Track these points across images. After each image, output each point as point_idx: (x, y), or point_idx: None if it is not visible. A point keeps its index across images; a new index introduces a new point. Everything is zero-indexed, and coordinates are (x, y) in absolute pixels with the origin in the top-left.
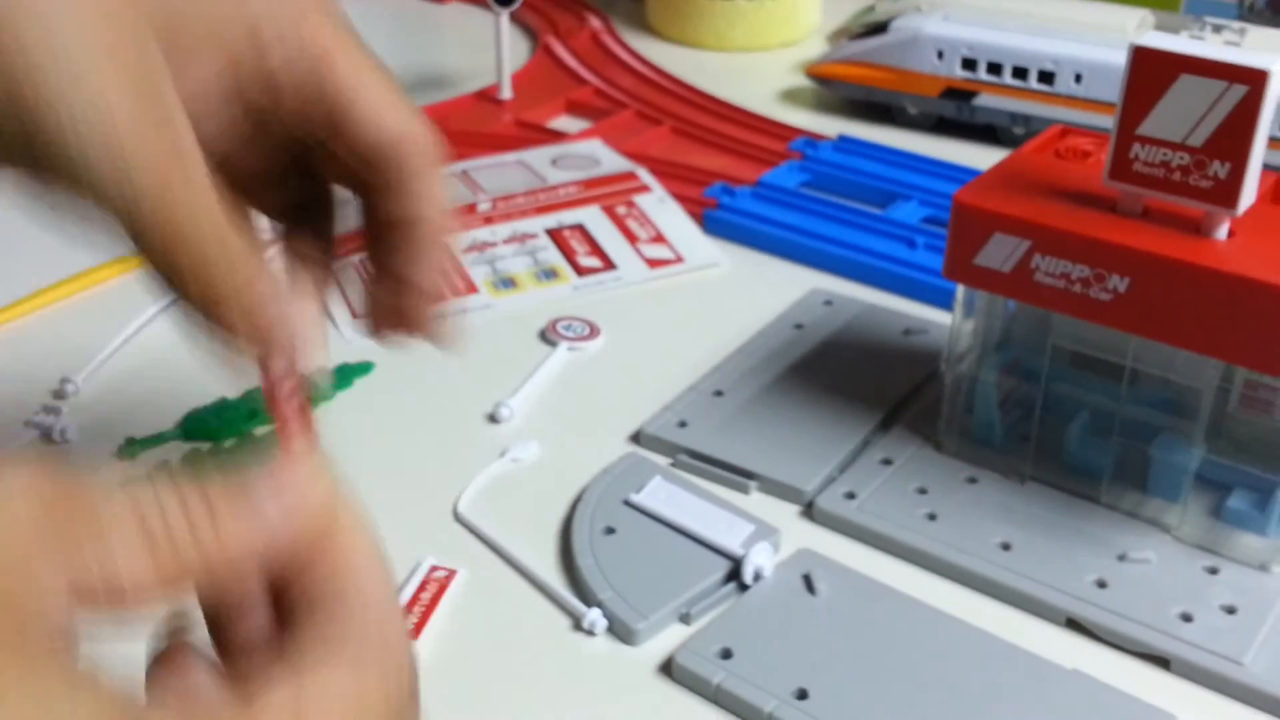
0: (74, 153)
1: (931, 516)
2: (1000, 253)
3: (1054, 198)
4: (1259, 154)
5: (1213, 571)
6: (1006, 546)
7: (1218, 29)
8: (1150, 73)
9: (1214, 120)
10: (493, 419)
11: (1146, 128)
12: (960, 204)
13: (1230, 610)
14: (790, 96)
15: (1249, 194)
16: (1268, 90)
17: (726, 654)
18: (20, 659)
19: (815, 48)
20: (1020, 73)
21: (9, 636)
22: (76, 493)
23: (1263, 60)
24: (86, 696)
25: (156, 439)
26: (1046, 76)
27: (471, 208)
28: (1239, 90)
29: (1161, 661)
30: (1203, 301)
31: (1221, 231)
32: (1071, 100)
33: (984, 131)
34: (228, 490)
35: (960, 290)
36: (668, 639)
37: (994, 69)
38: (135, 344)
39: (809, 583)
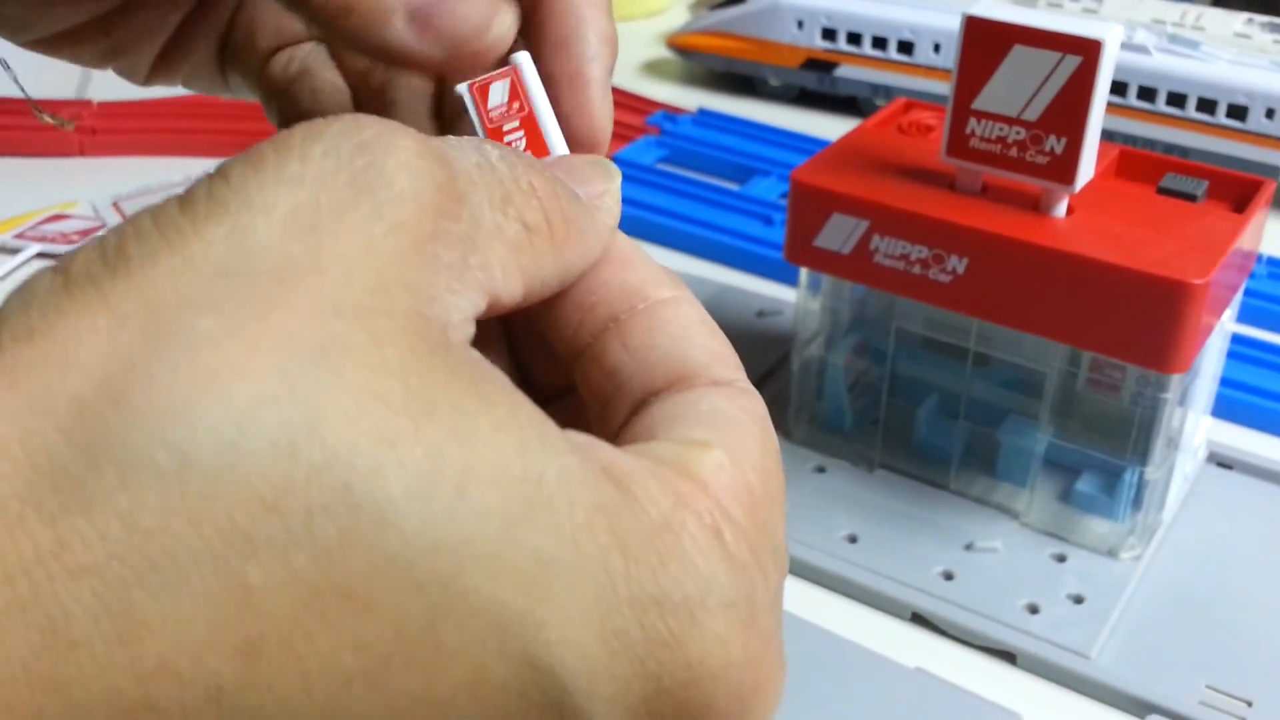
0: None
1: None
2: (840, 234)
3: (894, 175)
4: (1095, 127)
5: (1060, 559)
6: (853, 539)
7: None
8: (984, 44)
9: (1049, 93)
10: None
11: (982, 102)
12: (798, 183)
13: (1078, 600)
14: (653, 68)
15: (1087, 169)
16: (1102, 61)
17: None
18: (462, 381)
19: (680, 17)
20: (880, 43)
21: (441, 360)
22: (454, 178)
23: (1096, 29)
24: (556, 439)
25: None
26: (905, 46)
27: None
28: (1073, 61)
29: (1008, 656)
30: (1040, 282)
31: (1060, 208)
32: (931, 70)
33: (847, 103)
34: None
35: (804, 272)
36: None
37: (854, 39)
38: None
39: None
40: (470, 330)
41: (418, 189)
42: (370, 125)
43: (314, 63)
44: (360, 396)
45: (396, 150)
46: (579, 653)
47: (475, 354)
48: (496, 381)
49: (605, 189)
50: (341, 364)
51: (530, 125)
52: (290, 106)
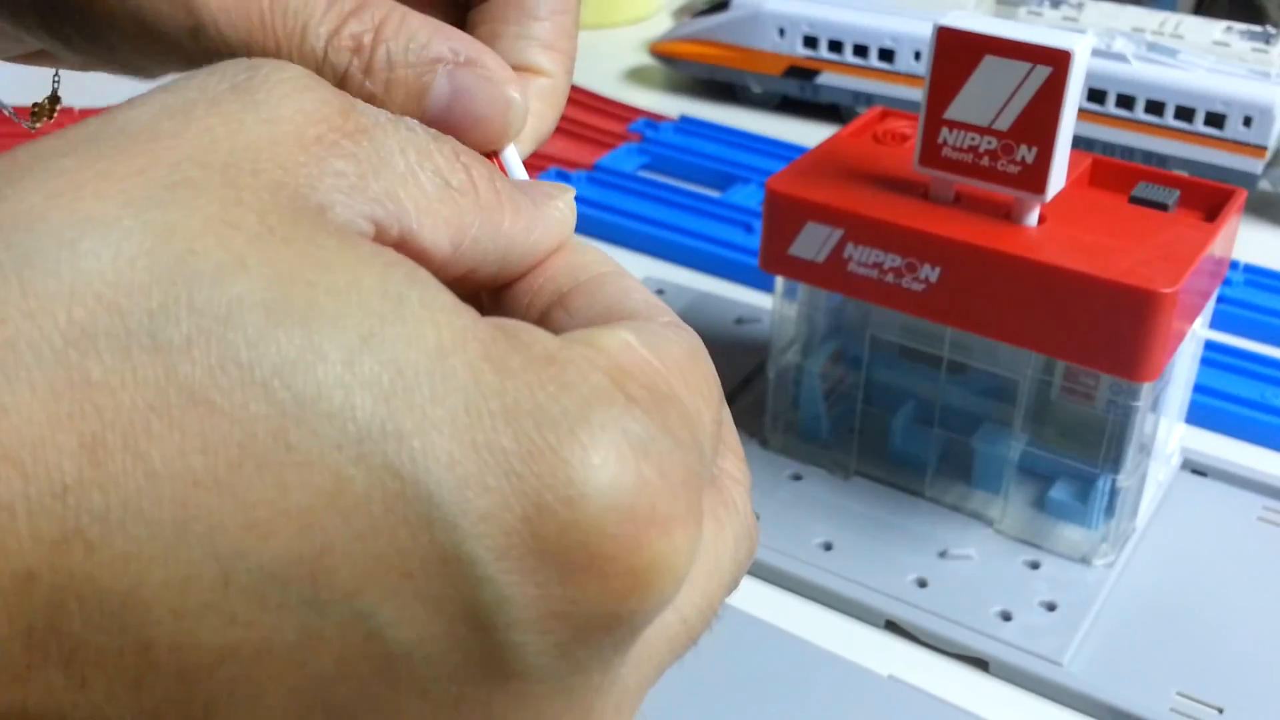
0: None
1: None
2: (814, 242)
3: (868, 184)
4: (1066, 137)
5: (1034, 566)
6: (828, 547)
7: (1056, 4)
8: (955, 54)
9: (1020, 103)
10: None
11: (954, 112)
12: (773, 192)
13: (1050, 607)
14: (637, 76)
15: (1058, 178)
16: (1071, 71)
17: None
18: (332, 241)
19: (663, 25)
20: (861, 50)
21: (300, 218)
22: (352, 110)
23: (1066, 40)
24: (432, 290)
25: None
26: (887, 54)
27: None
28: (1043, 71)
29: (980, 663)
30: (1011, 291)
31: (1032, 218)
32: (912, 78)
33: (828, 111)
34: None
35: (780, 279)
36: None
37: (835, 47)
38: None
39: None
40: (365, 232)
41: (302, 100)
42: (265, 59)
43: None
44: (211, 222)
45: (286, 69)
46: (445, 463)
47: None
48: (373, 246)
49: (556, 193)
50: (194, 199)
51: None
52: None
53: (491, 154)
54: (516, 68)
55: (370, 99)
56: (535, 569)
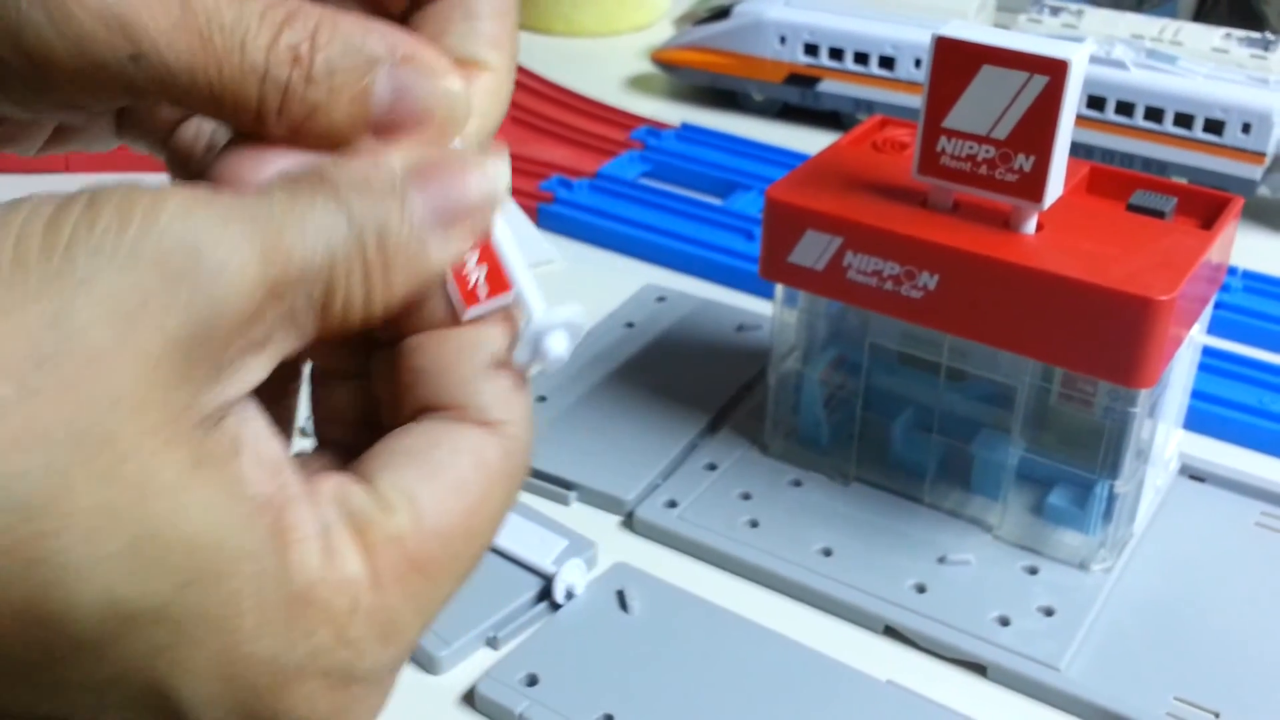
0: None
1: (753, 523)
2: (813, 250)
3: (868, 192)
4: (1063, 145)
5: (1032, 571)
6: (828, 552)
7: (1055, 11)
8: (953, 64)
9: (1017, 112)
10: (302, 433)
11: (952, 120)
12: (772, 200)
13: (1048, 612)
14: (638, 83)
15: (1055, 186)
16: (1068, 81)
17: (532, 681)
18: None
19: (665, 32)
20: (861, 58)
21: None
22: (283, 281)
23: (1063, 50)
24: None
25: None
26: (887, 62)
27: None
28: (1040, 81)
29: (979, 668)
30: (1009, 298)
31: (1030, 225)
32: (912, 86)
33: (829, 118)
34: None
35: (780, 287)
36: (474, 665)
37: (836, 54)
38: None
39: (622, 600)
40: (248, 385)
41: (227, 292)
42: (193, 234)
43: (223, 135)
44: (92, 510)
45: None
46: (204, 697)
47: (224, 436)
48: (215, 461)
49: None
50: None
51: (487, 252)
52: (201, 175)
53: (484, 244)
54: (460, 62)
55: (315, 110)
56: None
